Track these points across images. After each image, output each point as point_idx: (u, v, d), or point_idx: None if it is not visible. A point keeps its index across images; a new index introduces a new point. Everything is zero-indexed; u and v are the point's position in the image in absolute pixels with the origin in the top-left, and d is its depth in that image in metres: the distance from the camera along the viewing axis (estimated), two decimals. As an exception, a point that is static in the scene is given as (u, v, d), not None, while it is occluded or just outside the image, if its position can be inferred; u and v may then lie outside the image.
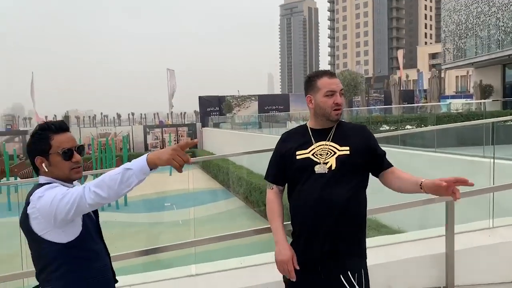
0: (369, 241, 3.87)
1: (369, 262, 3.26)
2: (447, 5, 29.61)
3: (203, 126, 40.17)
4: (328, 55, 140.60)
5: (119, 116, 63.91)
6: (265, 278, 3.13)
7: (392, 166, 2.26)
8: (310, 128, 2.27)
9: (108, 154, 24.53)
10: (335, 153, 2.13)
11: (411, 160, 9.91)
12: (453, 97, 38.31)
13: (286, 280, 2.22)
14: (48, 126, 1.85)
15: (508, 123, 10.38)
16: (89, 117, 64.27)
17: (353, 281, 2.07)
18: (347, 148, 2.14)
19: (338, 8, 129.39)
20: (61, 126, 1.87)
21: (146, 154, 1.64)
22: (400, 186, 2.17)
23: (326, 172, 2.10)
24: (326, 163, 2.11)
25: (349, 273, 2.08)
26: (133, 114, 64.44)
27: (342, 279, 2.07)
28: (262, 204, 13.80)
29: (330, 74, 2.25)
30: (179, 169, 1.65)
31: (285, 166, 2.24)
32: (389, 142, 10.86)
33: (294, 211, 2.21)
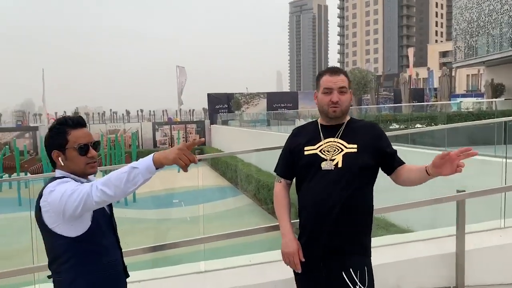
0: (379, 240, 3.87)
1: (379, 261, 3.27)
2: (459, 3, 29.32)
3: (211, 123, 40.20)
4: (338, 53, 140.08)
5: (128, 112, 64.38)
6: (273, 276, 3.13)
7: (404, 163, 2.23)
8: (320, 124, 2.28)
9: (117, 151, 24.66)
10: (342, 150, 2.14)
11: (421, 159, 9.78)
12: (463, 95, 37.93)
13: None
14: (65, 121, 1.90)
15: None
16: (99, 113, 64.83)
17: (355, 278, 2.07)
18: (355, 145, 2.13)
19: (348, 6, 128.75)
20: (79, 122, 1.91)
21: (153, 154, 1.66)
22: (408, 176, 2.16)
23: (332, 168, 2.11)
24: (332, 160, 2.12)
25: (351, 270, 2.08)
26: (142, 111, 64.87)
27: (344, 275, 2.07)
28: (270, 202, 13.79)
29: (332, 71, 2.24)
30: (185, 169, 1.66)
31: (293, 161, 2.26)
32: (399, 140, 10.78)
33: (300, 206, 2.24)
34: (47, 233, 1.81)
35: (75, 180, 1.87)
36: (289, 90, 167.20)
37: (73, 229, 1.78)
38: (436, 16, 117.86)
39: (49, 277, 1.92)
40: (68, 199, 1.68)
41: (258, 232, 3.03)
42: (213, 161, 25.25)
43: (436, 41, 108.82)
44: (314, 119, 2.39)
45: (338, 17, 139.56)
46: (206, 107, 47.66)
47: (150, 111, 65.81)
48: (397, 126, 15.75)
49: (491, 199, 3.84)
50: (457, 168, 1.89)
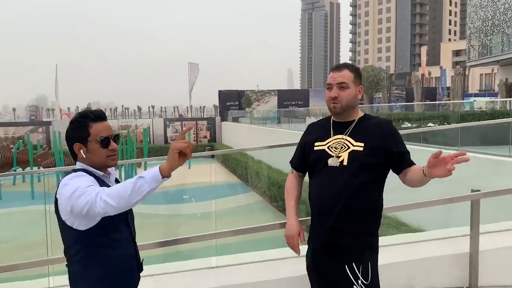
0: (390, 239, 3.86)
1: (390, 259, 3.26)
2: (473, 1, 28.99)
3: (222, 120, 40.28)
4: (349, 51, 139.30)
5: (139, 109, 64.74)
6: (286, 273, 3.14)
7: (413, 164, 2.18)
8: (332, 120, 2.30)
9: (129, 146, 24.83)
10: (349, 147, 2.15)
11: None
12: (476, 95, 37.48)
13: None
14: (87, 115, 1.93)
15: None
16: (111, 109, 65.21)
17: (357, 272, 2.10)
18: (362, 144, 2.13)
19: (361, 4, 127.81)
20: (100, 115, 1.95)
21: (159, 164, 1.68)
22: (411, 177, 2.13)
23: (338, 165, 2.13)
24: (338, 157, 2.14)
25: (353, 264, 2.11)
26: (153, 107, 65.15)
27: (347, 269, 2.11)
28: (280, 199, 13.79)
29: (335, 67, 2.27)
30: (189, 154, 1.68)
31: (305, 156, 2.31)
32: (411, 139, 10.70)
33: (309, 200, 2.28)
34: (61, 224, 1.86)
35: (93, 174, 1.90)
36: (299, 88, 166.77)
37: (83, 223, 1.81)
38: (450, 14, 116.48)
39: (66, 265, 1.97)
40: (76, 201, 1.71)
41: (271, 229, 3.03)
42: (224, 158, 25.32)
43: (450, 39, 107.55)
44: (325, 117, 2.42)
45: (350, 14, 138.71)
46: (217, 104, 47.76)
47: (161, 107, 66.07)
48: (409, 125, 15.62)
49: (506, 200, 3.80)
50: (447, 172, 1.85)
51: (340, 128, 2.23)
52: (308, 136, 2.35)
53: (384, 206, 2.29)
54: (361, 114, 2.29)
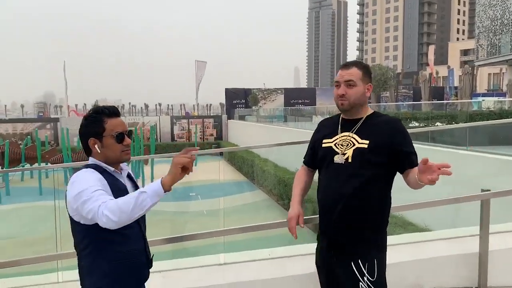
0: (398, 238, 3.84)
1: (398, 259, 3.25)
2: (482, 0, 28.74)
3: (228, 118, 40.27)
4: (357, 50, 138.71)
5: (146, 106, 64.91)
6: (294, 270, 3.14)
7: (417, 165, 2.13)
8: (341, 118, 2.31)
9: (136, 143, 24.89)
10: (354, 145, 2.16)
11: (443, 158, 9.64)
12: (484, 95, 37.22)
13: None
14: (102, 110, 1.96)
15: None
16: (118, 106, 65.19)
17: (363, 269, 2.12)
18: (367, 141, 2.14)
19: (368, 2, 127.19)
20: (114, 111, 1.98)
21: (161, 178, 1.69)
22: (409, 179, 2.12)
23: (343, 162, 2.15)
24: (344, 154, 2.16)
25: (359, 261, 2.13)
26: (160, 104, 65.27)
27: (353, 266, 2.13)
28: (286, 197, 13.78)
29: (343, 65, 2.29)
30: (191, 169, 1.69)
31: (314, 153, 2.35)
32: (418, 139, 10.65)
33: (317, 197, 2.30)
34: (70, 219, 1.88)
35: (104, 172, 1.91)
36: (306, 86, 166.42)
37: (89, 220, 1.80)
38: (458, 13, 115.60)
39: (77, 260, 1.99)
40: (81, 205, 1.74)
41: (280, 226, 3.02)
42: (230, 156, 25.33)
43: (458, 39, 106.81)
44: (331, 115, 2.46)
45: (357, 13, 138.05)
46: (223, 102, 47.72)
47: (168, 105, 66.14)
48: (416, 124, 15.54)
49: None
50: (430, 182, 1.84)
51: (348, 125, 2.24)
52: (318, 133, 2.38)
53: (392, 205, 2.28)
54: (370, 111, 2.28)
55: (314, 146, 2.36)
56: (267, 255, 3.43)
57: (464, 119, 14.25)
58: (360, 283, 2.11)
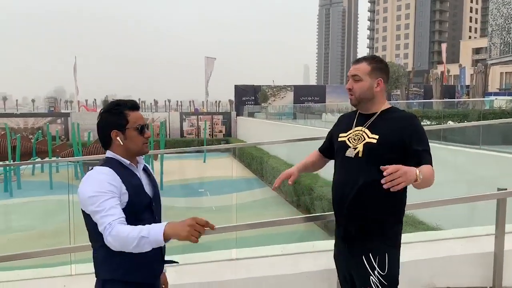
0: (412, 236, 3.81)
1: (412, 257, 3.22)
2: (496, -3, 28.35)
3: (238, 115, 40.27)
4: (367, 47, 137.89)
5: (156, 102, 65.25)
6: (306, 267, 3.13)
7: (425, 164, 2.05)
8: (358, 112, 2.32)
9: (146, 139, 25.02)
10: (364, 139, 2.17)
11: (455, 157, 9.59)
12: (496, 94, 36.85)
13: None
14: (124, 103, 1.99)
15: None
16: (127, 102, 65.62)
17: (373, 262, 2.13)
18: (376, 136, 2.14)
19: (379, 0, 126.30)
20: (135, 105, 2.01)
21: (165, 224, 1.69)
22: None
23: (354, 156, 2.17)
24: (355, 148, 2.17)
25: (370, 254, 2.14)
26: (169, 101, 65.61)
27: (364, 259, 2.15)
28: (295, 194, 13.78)
29: (355, 60, 2.32)
30: (196, 241, 1.69)
31: (331, 146, 2.41)
32: (430, 137, 10.55)
33: (331, 189, 2.33)
34: (83, 212, 1.88)
35: (119, 168, 1.91)
36: (315, 84, 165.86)
37: None
38: (471, 11, 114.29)
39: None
40: (93, 214, 1.78)
41: (293, 222, 3.02)
42: (239, 153, 25.35)
43: (470, 37, 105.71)
44: (341, 114, 2.50)
45: (368, 10, 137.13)
46: (232, 98, 47.75)
47: (177, 101, 66.42)
48: (428, 123, 15.41)
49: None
50: (397, 186, 1.85)
51: (363, 120, 2.25)
52: (336, 127, 2.43)
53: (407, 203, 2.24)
54: (386, 106, 2.25)
55: (331, 139, 2.41)
56: (279, 251, 3.43)
57: (476, 118, 14.07)
58: (371, 276, 2.13)
